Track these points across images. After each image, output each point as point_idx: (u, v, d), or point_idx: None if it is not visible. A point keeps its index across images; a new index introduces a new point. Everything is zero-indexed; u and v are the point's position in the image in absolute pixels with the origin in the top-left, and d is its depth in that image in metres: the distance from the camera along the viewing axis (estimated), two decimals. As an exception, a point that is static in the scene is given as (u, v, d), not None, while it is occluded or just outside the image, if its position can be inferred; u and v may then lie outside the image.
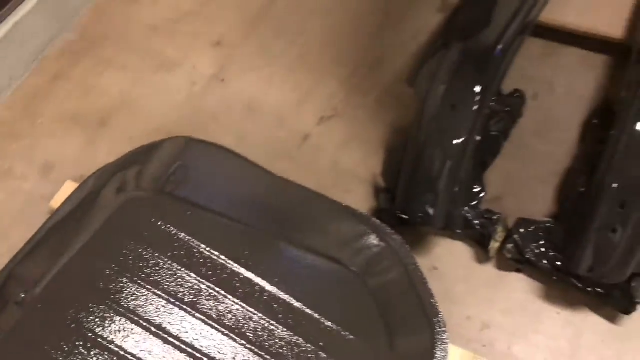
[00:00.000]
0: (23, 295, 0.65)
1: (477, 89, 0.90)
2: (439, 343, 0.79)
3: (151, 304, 0.63)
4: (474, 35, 0.97)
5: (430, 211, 0.92)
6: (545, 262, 0.91)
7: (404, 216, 0.94)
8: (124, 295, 0.64)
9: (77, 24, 1.40)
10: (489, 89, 0.90)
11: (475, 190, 0.99)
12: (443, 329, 0.80)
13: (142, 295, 0.64)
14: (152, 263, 0.66)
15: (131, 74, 1.29)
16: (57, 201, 1.02)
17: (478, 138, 0.93)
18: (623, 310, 0.87)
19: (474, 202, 0.98)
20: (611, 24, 1.14)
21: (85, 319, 0.62)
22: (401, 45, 1.24)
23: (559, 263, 0.90)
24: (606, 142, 0.87)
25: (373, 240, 0.87)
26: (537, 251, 0.91)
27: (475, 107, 0.89)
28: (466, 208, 0.95)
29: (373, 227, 0.89)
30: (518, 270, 0.95)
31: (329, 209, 0.90)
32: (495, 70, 0.92)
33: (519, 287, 0.94)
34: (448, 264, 0.98)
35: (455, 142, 0.89)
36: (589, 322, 0.90)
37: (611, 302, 0.88)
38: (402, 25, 1.27)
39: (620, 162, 0.82)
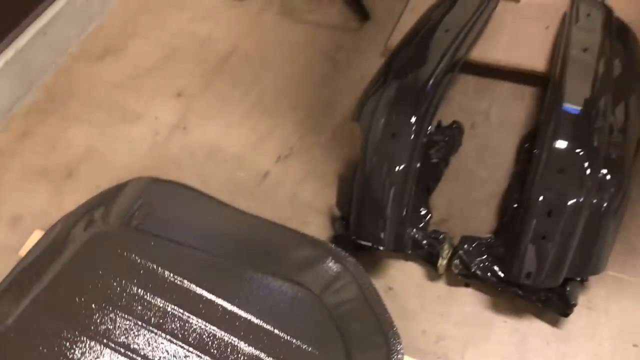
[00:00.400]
0: (-4, 326, 0.68)
1: (413, 119, 1.00)
2: (395, 355, 0.84)
3: (120, 327, 0.67)
4: (409, 73, 1.08)
5: (381, 235, 0.99)
6: (489, 274, 0.98)
7: (358, 241, 1.01)
8: (93, 320, 0.68)
9: (42, 85, 1.48)
10: (423, 119, 1.00)
11: (421, 213, 1.07)
12: (398, 341, 0.86)
13: (111, 320, 0.68)
14: (119, 290, 0.70)
15: (96, 128, 1.36)
16: (25, 250, 1.05)
17: (418, 165, 1.02)
18: (562, 313, 0.95)
19: (422, 224, 1.06)
20: (535, 59, 1.27)
21: (57, 345, 0.66)
22: (349, 87, 1.35)
23: (501, 274, 0.97)
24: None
25: (329, 263, 0.94)
26: (481, 265, 0.99)
27: (413, 136, 0.99)
28: (414, 230, 1.03)
29: (329, 252, 0.95)
30: (467, 285, 1.03)
31: (288, 238, 0.97)
32: (428, 103, 1.02)
33: (469, 300, 1.01)
34: (402, 284, 1.04)
35: (397, 168, 0.97)
36: (534, 328, 0.97)
37: (551, 307, 0.95)
38: (349, 70, 1.39)
39: (542, 176, 0.92)
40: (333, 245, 0.97)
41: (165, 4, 1.63)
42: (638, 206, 1.08)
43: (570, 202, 0.90)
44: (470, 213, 1.12)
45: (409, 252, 1.03)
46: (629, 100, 1.10)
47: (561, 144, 0.92)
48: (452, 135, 1.20)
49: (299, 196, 1.18)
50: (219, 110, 1.36)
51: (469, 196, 1.14)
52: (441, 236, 1.02)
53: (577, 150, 0.92)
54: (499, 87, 1.31)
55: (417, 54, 1.14)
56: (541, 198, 0.90)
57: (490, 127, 1.25)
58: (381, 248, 1.00)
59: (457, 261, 1.00)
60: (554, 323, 0.97)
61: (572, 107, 0.97)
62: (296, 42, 1.48)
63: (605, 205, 0.93)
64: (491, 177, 1.16)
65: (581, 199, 0.90)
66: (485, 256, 0.99)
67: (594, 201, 0.93)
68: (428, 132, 1.08)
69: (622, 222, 1.00)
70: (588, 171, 0.91)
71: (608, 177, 0.94)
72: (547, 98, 1.08)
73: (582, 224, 0.92)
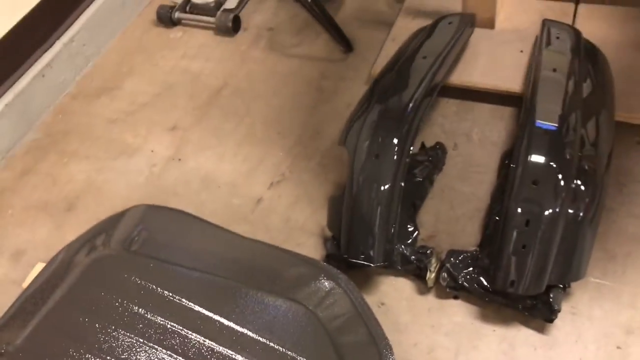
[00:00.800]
0: (5, 347, 0.71)
1: (395, 140, 1.05)
2: (388, 366, 0.88)
3: (122, 344, 0.71)
4: (390, 98, 1.14)
5: (371, 252, 1.04)
6: (476, 285, 1.03)
7: (349, 259, 1.05)
8: (97, 339, 0.71)
9: (41, 124, 1.54)
10: (405, 140, 1.06)
11: (409, 229, 1.12)
12: (390, 352, 0.90)
13: (114, 338, 0.72)
14: (121, 310, 0.74)
15: (94, 163, 1.41)
16: (28, 281, 1.09)
17: (403, 184, 1.07)
18: (547, 319, 0.99)
19: (410, 240, 1.11)
20: (511, 80, 1.34)
21: (63, 363, 0.69)
22: (336, 114, 1.41)
23: (487, 285, 1.01)
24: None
25: (322, 280, 0.98)
26: (467, 277, 1.03)
27: (395, 157, 1.04)
28: (402, 246, 1.08)
29: (322, 270, 0.99)
30: (455, 297, 1.07)
31: (281, 257, 1.01)
32: (409, 124, 1.08)
33: (458, 311, 1.05)
34: (393, 299, 1.08)
35: (382, 188, 1.03)
36: (521, 335, 1.01)
37: (536, 314, 0.99)
38: (335, 98, 1.46)
39: (518, 189, 0.97)
40: (325, 264, 1.02)
41: (158, 43, 1.71)
42: (615, 215, 1.13)
43: (546, 212, 0.95)
44: (456, 228, 1.17)
45: (399, 267, 1.07)
46: (599, 115, 1.16)
47: (535, 157, 0.98)
48: (436, 156, 1.26)
49: (291, 219, 1.23)
50: (212, 142, 1.41)
51: (454, 212, 1.19)
52: (428, 251, 1.07)
53: (550, 163, 0.98)
54: (479, 109, 1.38)
55: (397, 80, 1.21)
56: (519, 210, 0.96)
57: (472, 147, 1.31)
58: (371, 265, 1.04)
59: (444, 274, 1.04)
60: (541, 329, 1.01)
61: (543, 123, 1.03)
62: (284, 75, 1.55)
63: (581, 214, 0.98)
64: (474, 193, 1.21)
65: (556, 209, 0.95)
66: (472, 268, 1.04)
67: (570, 211, 0.98)
68: (411, 153, 1.14)
69: (598, 230, 1.05)
70: (562, 182, 0.96)
71: (582, 187, 0.99)
72: (521, 116, 1.14)
73: (560, 233, 0.97)
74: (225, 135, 1.42)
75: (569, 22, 1.41)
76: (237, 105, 1.49)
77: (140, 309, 0.74)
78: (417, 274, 1.08)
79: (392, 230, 1.06)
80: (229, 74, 1.58)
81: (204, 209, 1.25)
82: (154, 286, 0.77)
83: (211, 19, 1.70)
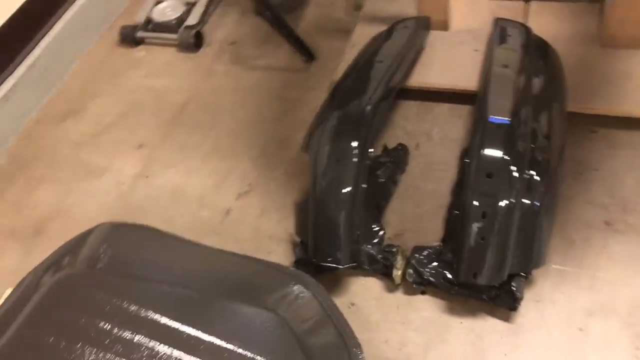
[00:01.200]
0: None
1: (354, 144, 1.08)
2: (358, 365, 0.89)
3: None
4: (348, 103, 1.17)
5: (337, 254, 1.06)
6: (441, 280, 1.05)
7: (318, 262, 1.07)
8: (64, 357, 0.72)
9: (6, 150, 1.53)
10: (364, 142, 1.09)
11: (375, 229, 1.14)
12: (360, 351, 0.91)
13: (79, 355, 0.72)
14: (86, 326, 0.75)
15: (62, 186, 1.42)
16: (-2, 308, 1.09)
17: (365, 186, 1.10)
18: (511, 308, 1.02)
19: (376, 240, 1.13)
20: (467, 79, 1.38)
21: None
22: (300, 123, 1.43)
23: (452, 278, 1.04)
24: (467, 171, 1.06)
25: (291, 285, 0.99)
26: (433, 272, 1.06)
27: (355, 159, 1.07)
28: (369, 246, 1.10)
29: (290, 275, 1.00)
30: (423, 292, 1.09)
31: (249, 265, 1.02)
32: (367, 127, 1.11)
33: (426, 306, 1.07)
34: (363, 298, 1.10)
35: (344, 191, 1.05)
36: (488, 325, 1.03)
37: (500, 303, 1.02)
38: (299, 107, 1.48)
39: (474, 182, 1.00)
40: (294, 269, 1.04)
41: (122, 63, 1.72)
42: (573, 202, 1.17)
43: (501, 204, 0.98)
44: (421, 225, 1.19)
45: (366, 267, 1.09)
46: (551, 108, 1.21)
47: (487, 151, 1.02)
48: (398, 156, 1.29)
49: (261, 228, 1.25)
50: (179, 158, 1.43)
51: (418, 210, 1.22)
52: (394, 249, 1.09)
53: (503, 156, 1.01)
54: (438, 109, 1.41)
55: (355, 85, 1.24)
56: (475, 203, 0.99)
57: (434, 146, 1.34)
58: (339, 267, 1.06)
59: (410, 271, 1.06)
60: (506, 318, 1.03)
61: (495, 117, 1.06)
62: (248, 87, 1.57)
63: (536, 204, 1.01)
64: (437, 190, 1.24)
65: (511, 200, 0.98)
66: (436, 263, 1.06)
67: (526, 201, 1.01)
68: (374, 155, 1.16)
69: (556, 219, 1.09)
70: (515, 174, 1.00)
71: (536, 178, 1.03)
72: (474, 112, 1.18)
73: (517, 223, 1.00)
74: (192, 150, 1.44)
75: (522, 19, 1.46)
76: (202, 120, 1.50)
77: (106, 325, 0.75)
78: (384, 272, 1.10)
79: (358, 232, 1.08)
80: (193, 90, 1.59)
81: (173, 224, 1.26)
82: (120, 301, 0.78)
83: (174, 36, 1.72)
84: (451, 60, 1.43)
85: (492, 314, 1.05)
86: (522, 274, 1.02)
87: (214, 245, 1.07)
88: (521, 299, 1.01)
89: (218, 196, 1.32)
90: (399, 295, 1.10)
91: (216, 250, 1.04)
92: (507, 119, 1.08)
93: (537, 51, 1.34)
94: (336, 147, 1.08)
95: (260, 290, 0.98)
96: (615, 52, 1.33)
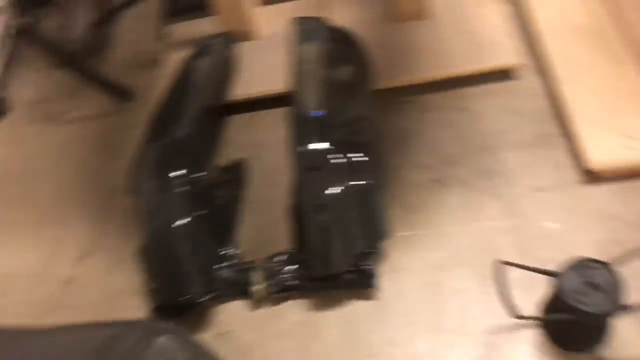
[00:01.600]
0: None
1: (179, 172, 1.04)
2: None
3: None
4: (163, 133, 1.13)
5: (190, 289, 1.01)
6: (299, 281, 1.05)
7: (174, 303, 1.02)
8: None
9: None
10: (192, 169, 1.05)
11: (226, 252, 1.11)
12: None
13: None
14: None
15: None
16: None
17: (204, 212, 1.06)
18: (370, 286, 1.04)
19: (231, 262, 1.10)
20: (282, 82, 1.40)
21: None
22: (127, 166, 1.36)
23: (309, 276, 1.04)
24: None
25: (151, 337, 0.92)
26: (290, 276, 1.05)
27: (184, 188, 1.03)
28: (223, 271, 1.07)
29: (144, 328, 0.94)
30: (287, 299, 1.08)
31: (100, 332, 0.94)
32: (189, 153, 1.08)
33: (294, 310, 1.07)
34: (233, 323, 1.07)
35: (177, 224, 1.01)
36: (357, 309, 1.05)
37: (360, 285, 1.04)
38: (124, 149, 1.39)
39: (300, 178, 1.01)
40: (149, 320, 0.97)
41: None
42: (403, 170, 1.22)
43: (332, 192, 1.00)
44: (275, 233, 1.18)
45: (225, 293, 1.06)
46: (362, 90, 1.26)
47: (305, 146, 1.03)
48: (237, 172, 1.27)
49: (110, 287, 1.16)
50: (2, 239, 1.28)
51: (269, 218, 1.21)
52: (247, 266, 1.07)
53: (319, 147, 1.03)
54: (267, 116, 1.42)
55: (169, 112, 1.20)
56: (307, 198, 1.00)
57: (271, 153, 1.34)
58: (196, 301, 1.02)
59: (268, 282, 1.05)
60: (370, 297, 1.06)
61: (306, 112, 1.09)
62: (66, 143, 1.47)
63: (364, 183, 1.05)
64: (281, 196, 1.24)
65: (339, 186, 1.01)
66: (292, 266, 1.06)
67: (357, 182, 1.04)
68: (206, 178, 1.13)
69: (390, 190, 1.14)
70: (335, 160, 1.02)
71: (359, 159, 1.07)
72: (289, 112, 1.20)
73: (353, 204, 1.03)
74: (15, 228, 1.30)
75: (328, 13, 1.50)
76: (20, 191, 1.37)
77: None
78: (245, 292, 1.07)
79: (207, 260, 1.04)
80: (4, 162, 1.45)
81: (7, 311, 1.13)
82: None
83: (-31, 110, 1.56)
84: (267, 67, 1.45)
85: (358, 297, 1.06)
86: (372, 250, 1.05)
87: (62, 320, 0.97)
88: (376, 275, 1.03)
89: (55, 267, 1.21)
90: (267, 309, 1.08)
91: (58, 328, 0.94)
92: (319, 112, 1.10)
93: (340, 40, 1.40)
94: (159, 180, 1.03)
95: (118, 353, 0.90)
96: (406, 26, 1.44)
